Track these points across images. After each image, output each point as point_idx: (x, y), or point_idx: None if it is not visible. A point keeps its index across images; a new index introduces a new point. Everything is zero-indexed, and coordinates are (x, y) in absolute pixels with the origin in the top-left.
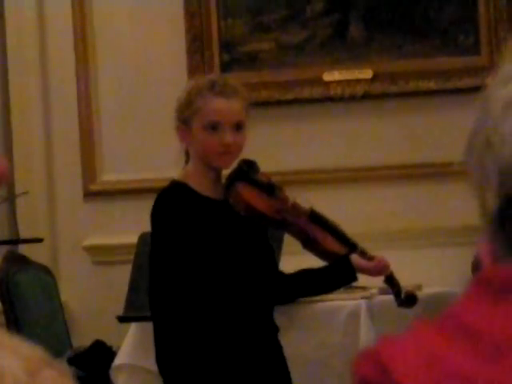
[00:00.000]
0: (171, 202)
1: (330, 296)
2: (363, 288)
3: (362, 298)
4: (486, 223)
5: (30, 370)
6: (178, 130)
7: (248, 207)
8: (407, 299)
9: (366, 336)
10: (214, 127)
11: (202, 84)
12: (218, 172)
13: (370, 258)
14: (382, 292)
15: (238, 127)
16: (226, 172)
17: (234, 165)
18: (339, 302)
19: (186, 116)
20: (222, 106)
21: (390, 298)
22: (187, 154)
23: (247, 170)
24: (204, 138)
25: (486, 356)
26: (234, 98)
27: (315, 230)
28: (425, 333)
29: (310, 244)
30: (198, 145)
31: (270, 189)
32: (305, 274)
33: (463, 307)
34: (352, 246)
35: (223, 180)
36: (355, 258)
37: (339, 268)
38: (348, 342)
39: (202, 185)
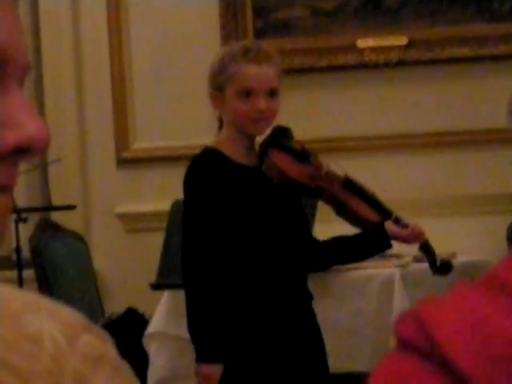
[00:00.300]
0: (204, 168)
1: (364, 264)
2: (397, 256)
3: (396, 266)
4: None
5: (69, 334)
6: (212, 96)
7: (281, 174)
8: (442, 267)
9: (400, 304)
10: (247, 94)
11: (235, 50)
12: (251, 139)
13: (405, 226)
14: (417, 260)
15: (272, 94)
16: (259, 139)
17: (268, 131)
18: (373, 270)
19: (219, 82)
20: (255, 73)
21: (425, 266)
22: (220, 120)
23: (281, 137)
24: (237, 104)
25: None
26: (267, 65)
27: (349, 197)
28: (467, 294)
29: (343, 211)
30: (232, 111)
31: (303, 156)
32: (339, 241)
33: (506, 268)
34: (386, 214)
35: (257, 147)
36: (390, 225)
37: (373, 235)
38: (382, 310)
39: (235, 151)
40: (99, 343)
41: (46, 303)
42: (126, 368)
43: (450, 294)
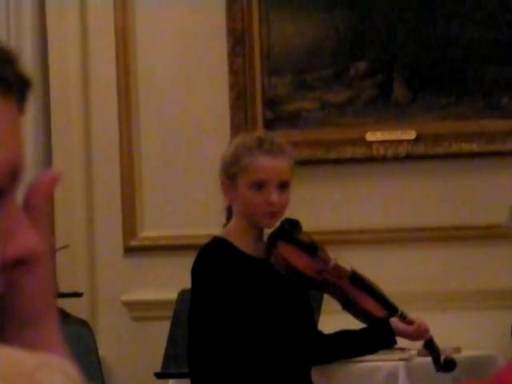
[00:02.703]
0: (212, 258)
1: (369, 356)
2: (402, 349)
3: (400, 360)
4: None
5: None
6: (223, 185)
7: (289, 267)
8: (446, 364)
9: None
10: (259, 185)
11: (249, 141)
12: (260, 230)
13: (410, 322)
14: (421, 354)
15: (284, 186)
16: (268, 230)
17: (277, 223)
18: (377, 363)
19: (231, 172)
20: (268, 165)
21: (429, 360)
22: (229, 210)
23: (289, 230)
24: (249, 195)
25: None
26: (281, 157)
27: (356, 292)
28: None
29: (350, 306)
30: (243, 202)
31: (311, 249)
32: (344, 335)
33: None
34: (392, 310)
35: (265, 238)
36: (395, 321)
37: (379, 331)
38: None
39: (243, 242)
40: None
41: (56, 360)
42: None
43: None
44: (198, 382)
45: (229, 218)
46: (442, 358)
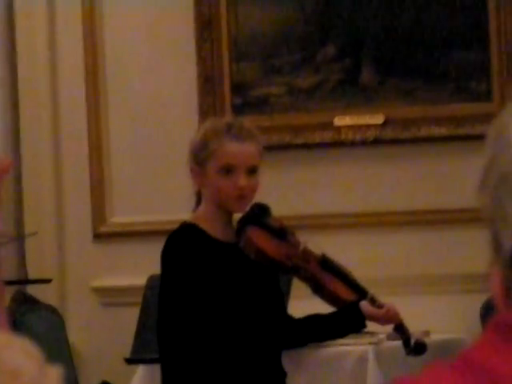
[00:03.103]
0: (181, 243)
1: (338, 341)
2: (371, 333)
3: (370, 344)
4: (499, 264)
5: (39, 367)
6: (192, 171)
7: (258, 251)
8: (416, 348)
9: (373, 382)
10: (228, 170)
11: (218, 126)
12: (229, 215)
13: (380, 306)
14: (391, 338)
15: (252, 171)
16: (237, 215)
17: (247, 208)
18: (347, 348)
19: (200, 158)
20: (237, 150)
21: (399, 343)
22: (198, 195)
23: (259, 214)
24: (218, 180)
25: None
26: (249, 142)
27: (325, 276)
28: (441, 374)
29: (319, 290)
30: (212, 187)
31: (281, 233)
32: (314, 319)
33: (479, 350)
34: (362, 293)
35: (234, 223)
36: (365, 305)
37: (348, 315)
38: None
39: (213, 227)
40: (59, 376)
41: (17, 339)
42: None
43: (424, 373)
44: (168, 367)
45: (198, 203)
46: (413, 341)
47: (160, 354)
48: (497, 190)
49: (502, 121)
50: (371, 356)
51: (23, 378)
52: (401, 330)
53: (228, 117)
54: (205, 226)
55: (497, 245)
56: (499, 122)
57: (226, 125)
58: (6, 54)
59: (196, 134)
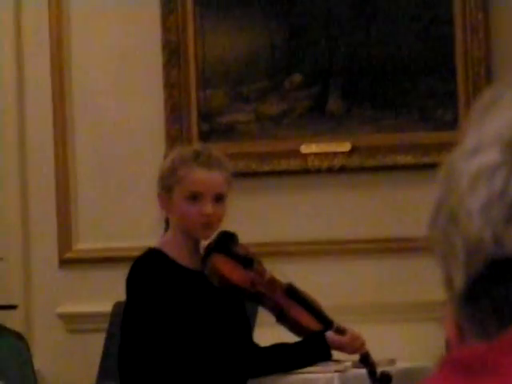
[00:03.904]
0: (147, 269)
1: (305, 368)
2: (337, 361)
3: (335, 371)
4: (452, 301)
5: None
6: (159, 197)
7: (222, 279)
8: (382, 379)
9: None
10: (194, 197)
11: (186, 153)
12: (196, 242)
13: (343, 331)
14: (356, 366)
15: (219, 199)
16: (204, 243)
17: (213, 236)
18: (313, 375)
19: (168, 184)
20: (204, 177)
21: (364, 371)
22: (167, 222)
23: (225, 242)
24: (184, 207)
25: None
26: (217, 170)
27: (290, 305)
28: None
29: (283, 319)
30: (178, 214)
31: (246, 261)
32: (279, 348)
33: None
34: (327, 323)
35: (202, 250)
36: (330, 334)
37: (314, 344)
38: None
39: (179, 254)
40: None
41: None
42: None
43: None
44: None
45: (167, 229)
46: (378, 372)
47: (121, 379)
48: (447, 227)
49: (452, 157)
50: (336, 383)
51: None
52: (366, 362)
53: (197, 144)
54: (171, 252)
55: (449, 281)
56: (450, 158)
57: (194, 152)
58: None
59: (165, 161)
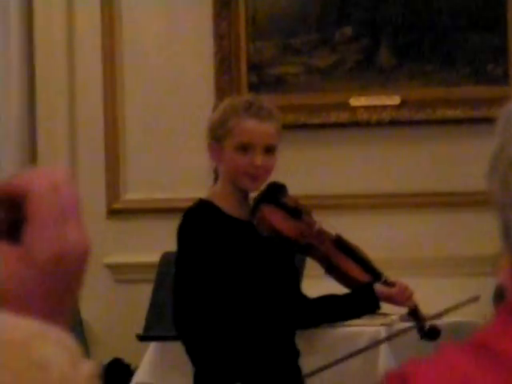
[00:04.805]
0: (197, 220)
1: (351, 322)
2: (384, 315)
3: (382, 325)
4: (509, 251)
5: (73, 360)
6: (210, 147)
7: (272, 229)
8: (430, 333)
9: (385, 363)
10: (245, 148)
11: (238, 104)
12: (245, 193)
13: (392, 284)
14: (403, 319)
15: (269, 150)
16: (253, 194)
17: (262, 187)
18: (359, 328)
19: (218, 134)
20: (255, 128)
21: (411, 325)
22: (216, 173)
23: (274, 193)
24: (234, 157)
25: None
26: (268, 121)
27: (339, 256)
28: (453, 356)
29: (333, 270)
30: (228, 164)
31: (295, 212)
32: (328, 299)
33: (492, 333)
34: (376, 275)
35: (251, 201)
36: (379, 286)
37: (362, 296)
38: (367, 368)
39: (228, 205)
40: (94, 370)
41: (51, 330)
42: None
43: (437, 356)
44: (187, 343)
45: (216, 180)
46: (427, 326)
47: (177, 330)
48: (506, 176)
49: (510, 107)
50: (383, 337)
51: (52, 372)
52: (415, 315)
53: (248, 95)
54: (220, 203)
55: (506, 231)
56: (507, 108)
57: (245, 102)
58: (22, 35)
59: (215, 111)
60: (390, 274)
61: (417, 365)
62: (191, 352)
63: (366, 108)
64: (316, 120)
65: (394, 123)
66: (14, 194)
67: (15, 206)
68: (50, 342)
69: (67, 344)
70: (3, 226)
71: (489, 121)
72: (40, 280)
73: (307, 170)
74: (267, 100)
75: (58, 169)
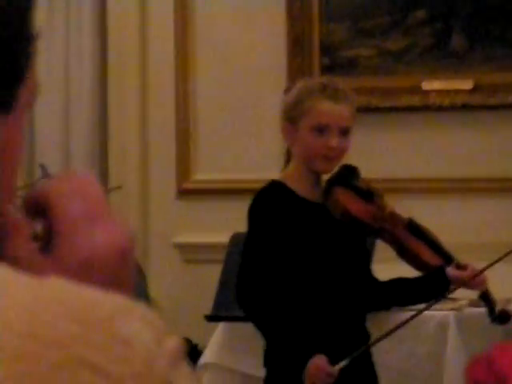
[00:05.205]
0: (269, 200)
1: (420, 306)
2: (453, 299)
3: (451, 310)
4: None
5: (157, 337)
6: (284, 128)
7: (344, 212)
8: (501, 317)
9: (454, 347)
10: (321, 130)
11: (313, 85)
12: (318, 175)
13: (464, 267)
14: (472, 304)
15: (344, 132)
16: (326, 176)
17: (334, 169)
18: (428, 313)
19: (293, 115)
20: (331, 110)
21: (480, 310)
22: (287, 155)
23: (347, 175)
24: (310, 139)
25: None
26: (343, 103)
27: (411, 240)
28: None
29: (405, 253)
30: (303, 145)
31: (368, 195)
32: (399, 282)
33: None
34: (448, 259)
35: (323, 183)
36: (451, 270)
37: (434, 279)
38: (436, 352)
39: (301, 186)
40: (180, 347)
41: (135, 306)
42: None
43: None
44: (255, 322)
45: (288, 162)
46: (497, 310)
47: (243, 308)
48: None
49: None
50: (452, 322)
51: (136, 348)
52: (486, 298)
53: (322, 77)
54: (293, 185)
55: None
56: None
57: (320, 84)
58: (96, 12)
59: (290, 92)
60: (461, 258)
61: (502, 349)
62: (262, 329)
63: (438, 92)
64: (388, 103)
65: (466, 108)
66: (39, 203)
67: (43, 216)
68: (135, 317)
69: (151, 320)
70: (44, 237)
71: None
72: None
73: (379, 153)
74: (341, 82)
75: (78, 172)
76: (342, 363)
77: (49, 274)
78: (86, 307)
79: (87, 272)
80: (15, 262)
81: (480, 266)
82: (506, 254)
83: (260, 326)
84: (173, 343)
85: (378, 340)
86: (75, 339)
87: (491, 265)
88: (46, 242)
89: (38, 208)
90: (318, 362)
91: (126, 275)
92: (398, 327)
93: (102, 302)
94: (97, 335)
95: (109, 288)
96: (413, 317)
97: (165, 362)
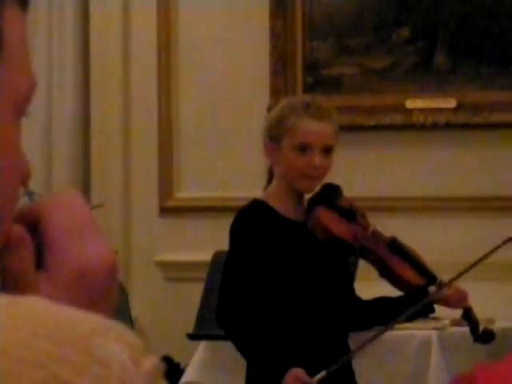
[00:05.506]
0: (251, 219)
1: (403, 325)
2: (435, 318)
3: (433, 329)
4: None
5: (135, 357)
6: (266, 146)
7: (325, 231)
8: (484, 336)
9: (436, 367)
10: (303, 148)
11: (296, 103)
12: (300, 194)
13: (448, 288)
14: (455, 324)
15: (327, 151)
16: (308, 195)
17: (317, 188)
18: (411, 332)
19: (276, 133)
20: (314, 128)
21: (462, 330)
22: (270, 173)
23: (329, 194)
24: (292, 157)
25: None
26: (326, 121)
27: (394, 259)
28: None
29: (386, 273)
30: (285, 164)
31: (350, 214)
32: (382, 302)
33: None
34: (431, 278)
35: (306, 202)
36: (433, 289)
37: (417, 299)
38: (418, 372)
39: (283, 205)
40: (158, 366)
41: (113, 326)
42: None
43: (504, 362)
44: (235, 341)
45: (269, 181)
46: (480, 329)
47: (219, 324)
48: None
49: None
50: (435, 341)
51: (113, 368)
52: (469, 317)
53: (305, 95)
54: (275, 203)
55: None
56: None
57: (304, 102)
58: (78, 25)
59: (273, 110)
60: (444, 277)
61: (484, 369)
62: (242, 349)
63: (422, 110)
64: (371, 122)
65: (449, 126)
66: (28, 221)
67: (33, 234)
68: (112, 337)
69: (128, 339)
70: (34, 254)
71: None
72: (68, 301)
73: (362, 171)
74: (325, 100)
75: (66, 190)
76: (321, 374)
77: (41, 289)
78: (63, 326)
79: (78, 284)
80: (14, 275)
81: (464, 285)
82: (474, 265)
83: (240, 347)
84: (150, 363)
85: (356, 350)
86: (51, 358)
87: (459, 276)
88: (37, 259)
89: (29, 225)
90: (296, 372)
91: (113, 290)
92: (375, 337)
93: (79, 321)
94: (73, 355)
95: (97, 302)
96: (388, 327)
97: (141, 382)
